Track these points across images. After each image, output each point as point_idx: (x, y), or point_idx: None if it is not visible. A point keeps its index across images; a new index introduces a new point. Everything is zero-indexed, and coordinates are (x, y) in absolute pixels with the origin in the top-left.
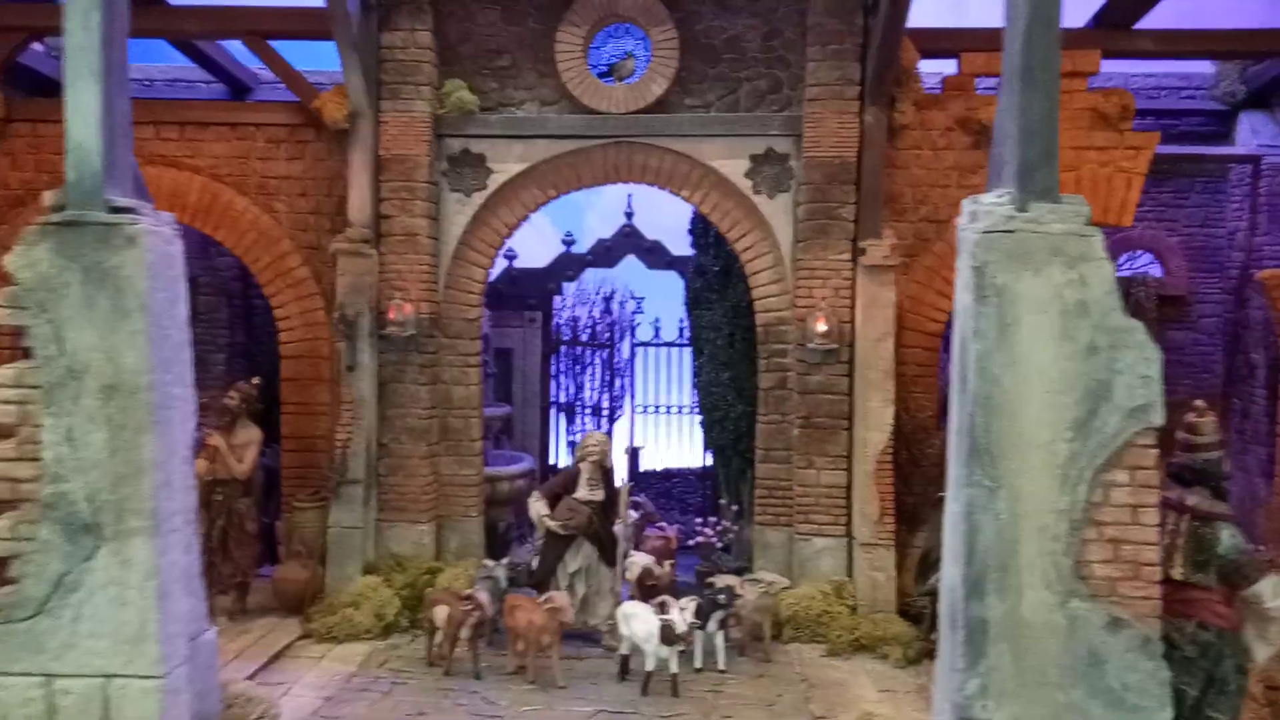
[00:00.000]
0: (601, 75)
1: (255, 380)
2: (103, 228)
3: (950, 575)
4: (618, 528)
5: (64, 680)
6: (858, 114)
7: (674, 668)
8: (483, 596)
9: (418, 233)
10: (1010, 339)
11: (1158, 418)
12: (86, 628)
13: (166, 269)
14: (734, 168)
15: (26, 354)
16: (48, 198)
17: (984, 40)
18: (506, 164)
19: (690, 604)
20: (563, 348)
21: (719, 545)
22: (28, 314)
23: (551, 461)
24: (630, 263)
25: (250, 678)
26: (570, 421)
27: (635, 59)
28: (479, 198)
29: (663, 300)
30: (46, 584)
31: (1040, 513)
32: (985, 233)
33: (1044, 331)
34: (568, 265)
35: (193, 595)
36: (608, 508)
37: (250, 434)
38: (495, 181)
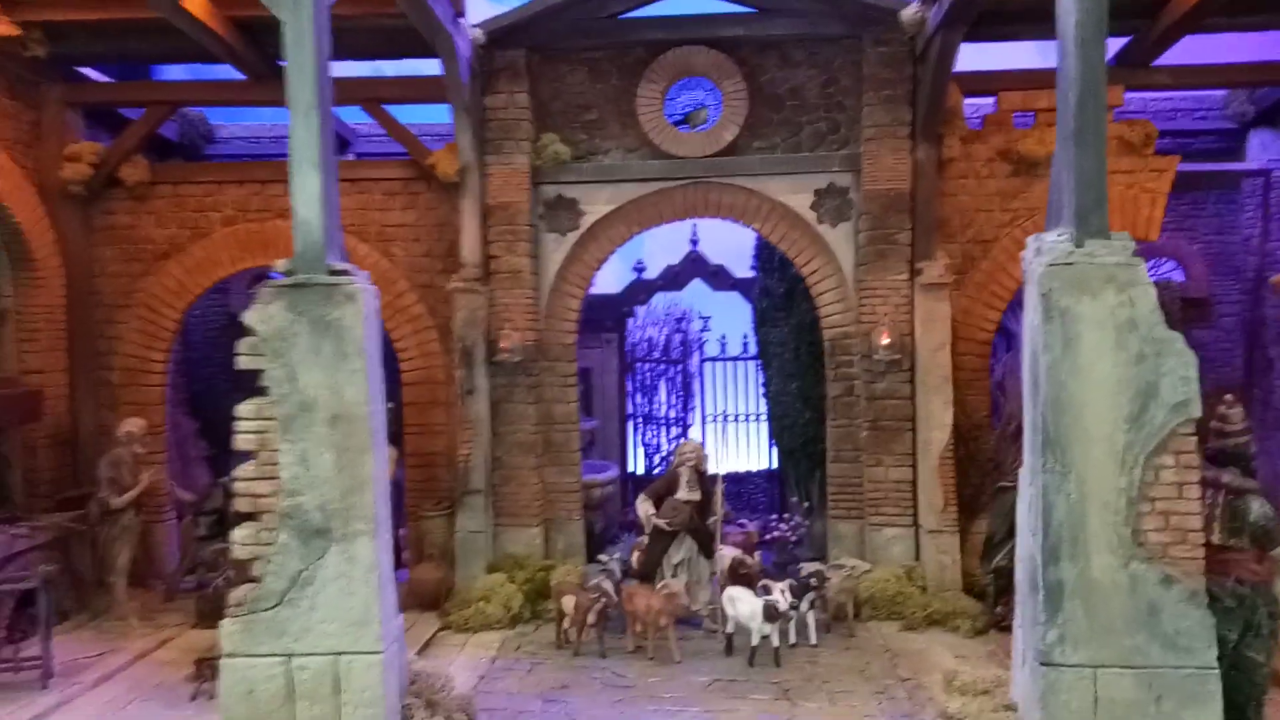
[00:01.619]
0: (677, 124)
1: (389, 404)
2: (327, 288)
3: (1028, 547)
4: (712, 521)
5: (301, 658)
6: (910, 150)
7: (775, 642)
8: (608, 585)
9: (521, 270)
10: (1074, 351)
11: (1196, 410)
12: (320, 614)
13: (374, 319)
14: (799, 201)
15: (262, 391)
16: (279, 265)
17: (1018, 81)
18: (596, 206)
19: (786, 587)
20: (637, 365)
21: (792, 540)
22: (264, 359)
23: (630, 469)
24: (695, 285)
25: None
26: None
27: (708, 109)
28: (573, 237)
29: (727, 318)
30: (286, 579)
31: (1103, 491)
32: (1050, 265)
33: (1101, 344)
34: (639, 290)
35: (393, 585)
36: (704, 506)
37: (389, 452)
38: (586, 222)
